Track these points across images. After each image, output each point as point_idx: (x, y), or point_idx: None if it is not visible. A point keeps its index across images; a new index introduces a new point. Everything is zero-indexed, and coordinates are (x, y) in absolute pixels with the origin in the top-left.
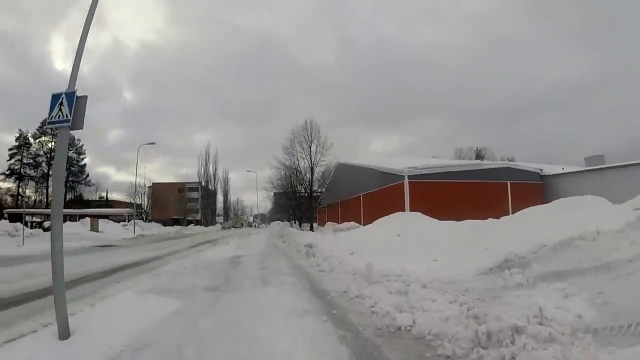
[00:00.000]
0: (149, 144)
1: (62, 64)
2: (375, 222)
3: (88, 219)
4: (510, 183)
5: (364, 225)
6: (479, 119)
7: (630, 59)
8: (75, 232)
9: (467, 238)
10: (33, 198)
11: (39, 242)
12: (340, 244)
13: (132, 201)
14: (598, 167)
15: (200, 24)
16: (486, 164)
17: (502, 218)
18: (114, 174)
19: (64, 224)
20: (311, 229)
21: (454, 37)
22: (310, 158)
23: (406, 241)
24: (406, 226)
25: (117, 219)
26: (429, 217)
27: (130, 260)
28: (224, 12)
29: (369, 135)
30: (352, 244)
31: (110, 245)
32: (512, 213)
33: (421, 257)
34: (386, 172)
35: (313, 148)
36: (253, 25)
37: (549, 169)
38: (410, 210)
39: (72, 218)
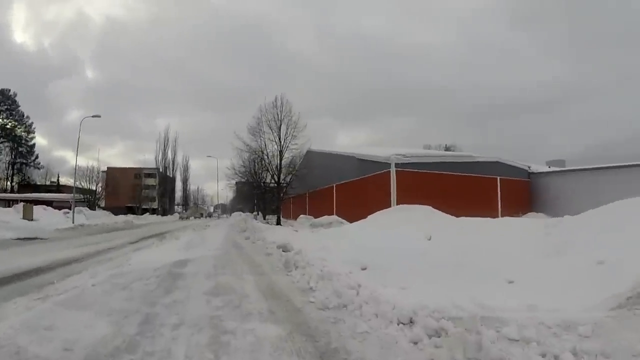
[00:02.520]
0: (93, 116)
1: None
2: (370, 217)
3: (21, 205)
4: (500, 179)
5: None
6: (447, 118)
7: (600, 74)
8: (4, 220)
9: (547, 244)
10: None
11: None
12: (330, 248)
13: (74, 185)
14: (590, 167)
15: (172, 3)
16: (477, 156)
17: (587, 213)
18: (72, 158)
19: None
20: (278, 222)
21: (433, 37)
22: (280, 140)
23: (446, 249)
24: (426, 225)
25: (63, 205)
26: (442, 213)
27: (33, 265)
28: None
29: (337, 129)
30: (353, 251)
31: (35, 238)
32: (501, 211)
33: (486, 277)
34: (368, 159)
35: (283, 129)
36: (229, 7)
37: (535, 167)
38: (397, 204)
39: (13, 204)
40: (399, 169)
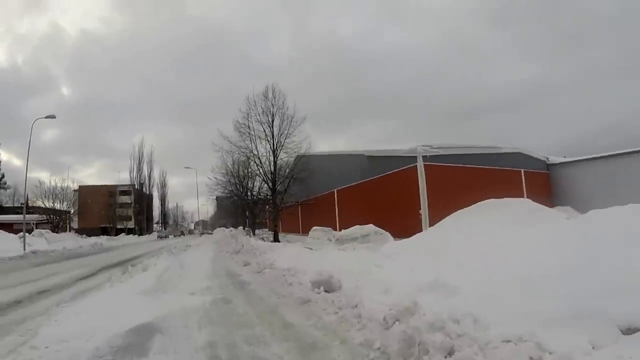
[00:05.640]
0: (47, 117)
1: None
2: (447, 221)
3: None
4: (524, 171)
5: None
6: (424, 120)
7: (568, 71)
8: None
9: None
10: None
11: None
12: (458, 288)
13: (25, 205)
14: (609, 153)
15: (150, 15)
16: (501, 147)
17: None
18: (47, 179)
19: None
20: (275, 238)
21: (409, 40)
22: (273, 137)
23: None
24: (554, 230)
25: (26, 227)
26: (547, 207)
27: None
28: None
29: (317, 136)
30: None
31: None
32: None
33: None
34: (382, 155)
35: (277, 123)
36: (206, 18)
37: (553, 158)
38: (428, 203)
39: None
40: (427, 162)
